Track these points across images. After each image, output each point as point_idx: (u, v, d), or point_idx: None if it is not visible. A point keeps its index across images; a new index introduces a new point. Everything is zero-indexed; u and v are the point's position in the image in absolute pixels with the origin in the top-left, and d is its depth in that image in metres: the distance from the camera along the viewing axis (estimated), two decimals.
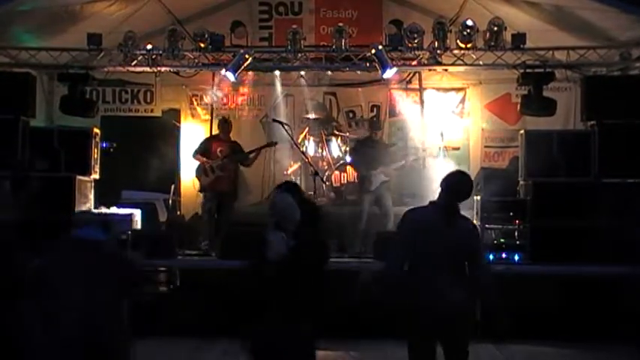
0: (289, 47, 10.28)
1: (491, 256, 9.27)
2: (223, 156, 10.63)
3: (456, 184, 5.21)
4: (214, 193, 10.70)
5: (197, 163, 10.83)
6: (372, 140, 11.07)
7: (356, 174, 11.02)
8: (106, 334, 4.93)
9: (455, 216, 5.13)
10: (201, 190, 10.88)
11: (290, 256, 4.73)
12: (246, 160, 10.86)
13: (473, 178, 10.60)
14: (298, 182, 11.34)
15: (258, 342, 4.81)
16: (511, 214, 9.51)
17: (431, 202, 5.28)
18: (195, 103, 12.65)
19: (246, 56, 10.25)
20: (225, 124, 11.02)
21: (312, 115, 12.08)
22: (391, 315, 5.22)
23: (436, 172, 10.63)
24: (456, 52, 10.15)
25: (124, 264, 5.32)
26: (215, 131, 11.51)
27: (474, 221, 9.54)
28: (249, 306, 4.86)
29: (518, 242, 9.45)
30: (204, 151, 10.81)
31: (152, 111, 12.44)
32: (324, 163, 11.46)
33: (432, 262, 4.98)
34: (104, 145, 10.41)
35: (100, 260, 5.03)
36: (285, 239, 4.78)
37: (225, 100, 12.48)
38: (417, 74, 12.07)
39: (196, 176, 10.87)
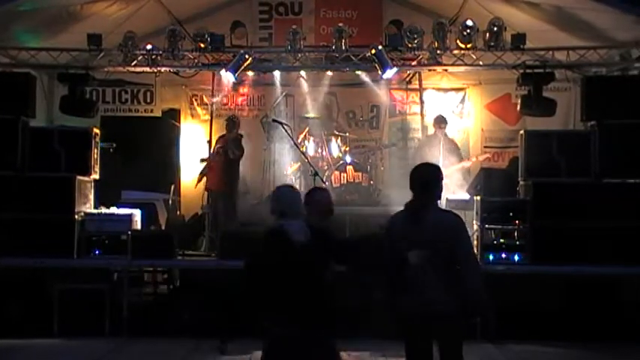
0: (289, 47, 10.28)
1: (491, 257, 9.28)
2: (215, 152, 10.79)
3: (418, 178, 5.00)
4: (208, 192, 10.95)
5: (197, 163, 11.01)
6: (437, 137, 10.88)
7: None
8: None
9: (421, 212, 4.90)
10: (206, 189, 11.22)
11: (310, 241, 4.66)
12: (233, 151, 10.89)
13: (473, 178, 10.81)
14: (298, 182, 11.38)
15: (274, 348, 4.70)
16: (511, 214, 9.47)
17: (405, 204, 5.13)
18: (195, 103, 12.66)
19: (246, 56, 10.25)
20: (228, 122, 11.25)
21: (312, 115, 12.08)
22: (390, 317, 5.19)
23: None
24: (455, 52, 10.15)
25: None
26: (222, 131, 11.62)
27: (473, 221, 9.68)
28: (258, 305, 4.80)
29: (518, 242, 9.42)
30: (210, 151, 11.01)
31: (152, 111, 12.44)
32: (324, 163, 11.45)
33: (410, 263, 4.89)
34: (102, 145, 10.41)
35: None
36: (301, 225, 4.72)
37: (225, 100, 12.49)
38: (416, 74, 12.08)
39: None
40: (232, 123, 11.23)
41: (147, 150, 11.28)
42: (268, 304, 4.71)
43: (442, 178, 5.09)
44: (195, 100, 12.65)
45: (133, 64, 10.34)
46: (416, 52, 10.23)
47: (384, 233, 5.18)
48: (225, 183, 10.93)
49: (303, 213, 4.89)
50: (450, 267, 4.85)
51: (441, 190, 5.07)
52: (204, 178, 11.28)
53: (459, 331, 4.98)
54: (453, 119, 12.22)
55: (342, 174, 11.23)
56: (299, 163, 11.37)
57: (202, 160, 11.32)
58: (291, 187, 5.46)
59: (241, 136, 11.19)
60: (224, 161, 10.97)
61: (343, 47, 10.22)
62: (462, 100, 12.57)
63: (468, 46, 9.94)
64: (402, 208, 5.11)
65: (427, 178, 5.01)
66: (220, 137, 11.39)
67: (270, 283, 4.68)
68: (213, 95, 12.14)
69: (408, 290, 4.89)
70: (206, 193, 11.26)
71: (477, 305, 4.91)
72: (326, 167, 11.38)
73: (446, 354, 4.95)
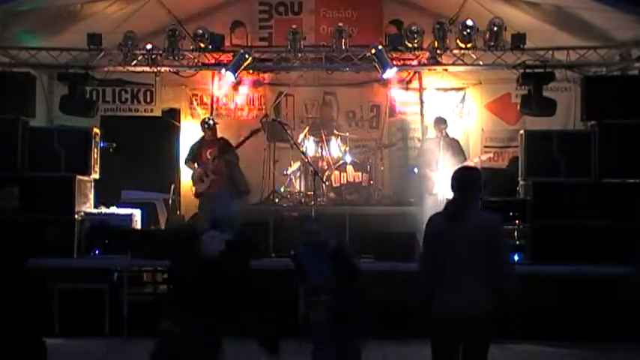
0: (289, 47, 10.27)
1: None
2: (213, 157, 10.53)
3: (459, 180, 5.12)
4: (199, 197, 10.65)
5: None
6: (437, 139, 10.94)
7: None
8: None
9: (461, 211, 4.99)
10: (197, 196, 10.80)
11: (222, 255, 4.80)
12: (234, 157, 10.73)
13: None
14: (298, 182, 11.37)
15: (169, 340, 4.94)
16: (511, 214, 9.47)
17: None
18: (195, 102, 12.65)
19: (246, 56, 10.25)
20: (207, 125, 10.81)
21: (311, 115, 12.07)
22: (410, 316, 5.18)
23: None
24: (455, 52, 10.16)
25: None
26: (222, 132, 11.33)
27: None
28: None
29: (517, 242, 9.42)
30: (194, 157, 10.73)
31: (152, 111, 12.41)
32: (324, 163, 11.44)
33: (446, 262, 4.91)
34: (102, 145, 10.42)
35: None
36: (219, 238, 4.86)
37: (224, 100, 12.48)
38: (416, 74, 12.09)
39: (192, 183, 10.83)
40: (212, 126, 10.81)
41: (147, 150, 11.28)
42: (176, 304, 4.94)
43: (481, 180, 5.30)
44: (195, 99, 12.64)
45: (133, 63, 10.33)
46: (416, 52, 10.23)
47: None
48: (232, 186, 10.57)
49: (234, 224, 5.03)
50: (486, 267, 4.89)
51: (480, 192, 5.31)
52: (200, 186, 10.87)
53: (489, 334, 5.02)
54: (453, 119, 12.19)
55: (342, 174, 11.23)
56: (299, 163, 11.37)
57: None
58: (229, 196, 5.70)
59: (223, 139, 10.84)
60: (228, 168, 10.69)
61: (343, 47, 10.22)
62: (462, 100, 12.56)
63: (468, 45, 9.94)
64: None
65: (468, 180, 5.14)
66: (204, 143, 10.82)
67: (179, 285, 4.97)
68: (212, 95, 12.14)
69: (445, 290, 4.90)
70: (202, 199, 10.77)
71: (512, 288, 4.97)
72: (326, 167, 11.37)
73: (474, 356, 4.97)
